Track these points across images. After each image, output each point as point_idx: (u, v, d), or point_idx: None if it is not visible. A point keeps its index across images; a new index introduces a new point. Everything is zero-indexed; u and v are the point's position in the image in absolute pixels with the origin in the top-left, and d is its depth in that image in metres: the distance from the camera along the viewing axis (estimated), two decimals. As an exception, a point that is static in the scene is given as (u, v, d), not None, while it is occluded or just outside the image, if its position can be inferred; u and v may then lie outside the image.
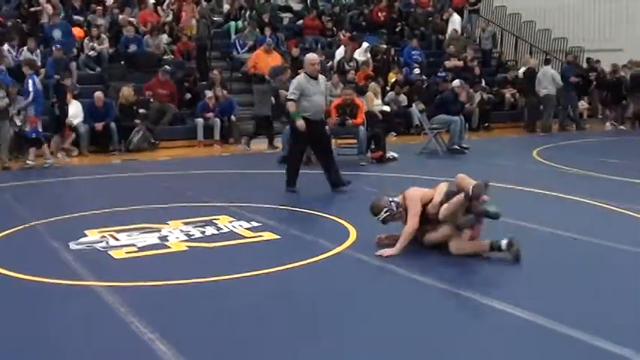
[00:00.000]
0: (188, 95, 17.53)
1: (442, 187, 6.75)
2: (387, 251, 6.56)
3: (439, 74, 20.69)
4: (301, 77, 9.90)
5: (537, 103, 19.49)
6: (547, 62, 20.35)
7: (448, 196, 6.52)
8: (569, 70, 20.17)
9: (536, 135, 18.66)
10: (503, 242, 6.33)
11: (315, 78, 9.80)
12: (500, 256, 6.35)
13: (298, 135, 9.93)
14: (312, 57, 10.12)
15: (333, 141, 13.34)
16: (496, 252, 6.37)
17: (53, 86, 15.58)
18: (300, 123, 9.66)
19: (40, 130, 13.29)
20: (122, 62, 18.39)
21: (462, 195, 6.38)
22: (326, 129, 10.42)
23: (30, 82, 12.90)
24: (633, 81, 19.94)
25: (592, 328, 4.64)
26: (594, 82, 21.06)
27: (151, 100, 16.75)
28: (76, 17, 19.79)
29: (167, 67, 17.26)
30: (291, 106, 9.83)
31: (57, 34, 17.93)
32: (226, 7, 22.18)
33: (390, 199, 6.89)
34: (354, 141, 13.46)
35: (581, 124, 19.97)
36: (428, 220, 6.65)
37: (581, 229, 7.46)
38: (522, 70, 21.44)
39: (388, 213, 6.83)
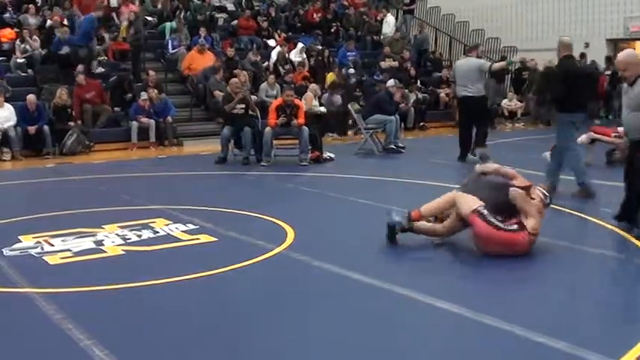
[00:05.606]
0: (129, 95, 17.24)
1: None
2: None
3: (375, 76, 20.89)
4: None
5: None
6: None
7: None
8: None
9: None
10: None
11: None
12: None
13: None
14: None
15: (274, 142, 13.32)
16: None
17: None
18: None
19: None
20: (55, 64, 18.06)
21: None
22: None
23: None
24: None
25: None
26: (527, 81, 21.55)
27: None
28: (6, 17, 19.39)
29: (80, 65, 16.85)
30: None
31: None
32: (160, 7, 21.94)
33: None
34: (294, 142, 13.41)
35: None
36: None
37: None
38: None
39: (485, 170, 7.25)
